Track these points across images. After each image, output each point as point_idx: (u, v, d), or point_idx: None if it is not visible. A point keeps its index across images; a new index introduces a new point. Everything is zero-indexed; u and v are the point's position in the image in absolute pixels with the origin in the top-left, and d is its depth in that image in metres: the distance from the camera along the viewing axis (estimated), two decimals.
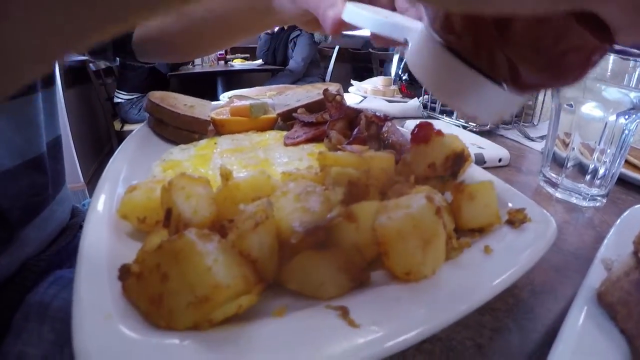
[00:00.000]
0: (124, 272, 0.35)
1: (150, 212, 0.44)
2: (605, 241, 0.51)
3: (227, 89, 4.29)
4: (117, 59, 0.98)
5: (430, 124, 0.53)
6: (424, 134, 0.52)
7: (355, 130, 0.64)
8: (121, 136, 3.85)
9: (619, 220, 0.56)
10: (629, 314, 0.37)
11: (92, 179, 3.58)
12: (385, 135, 0.64)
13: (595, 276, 0.43)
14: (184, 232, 0.32)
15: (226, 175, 0.44)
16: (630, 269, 0.39)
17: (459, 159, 0.52)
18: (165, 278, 0.31)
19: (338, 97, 0.72)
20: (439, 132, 0.52)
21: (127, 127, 3.89)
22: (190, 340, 0.30)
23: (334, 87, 0.87)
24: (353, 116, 0.68)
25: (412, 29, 0.41)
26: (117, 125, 3.93)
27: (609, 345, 0.36)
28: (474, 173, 0.61)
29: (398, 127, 0.71)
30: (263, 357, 0.29)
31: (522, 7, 0.22)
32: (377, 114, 0.68)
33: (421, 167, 0.52)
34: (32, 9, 0.20)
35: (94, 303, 0.33)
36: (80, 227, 0.96)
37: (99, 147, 4.16)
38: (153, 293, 0.32)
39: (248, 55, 5.09)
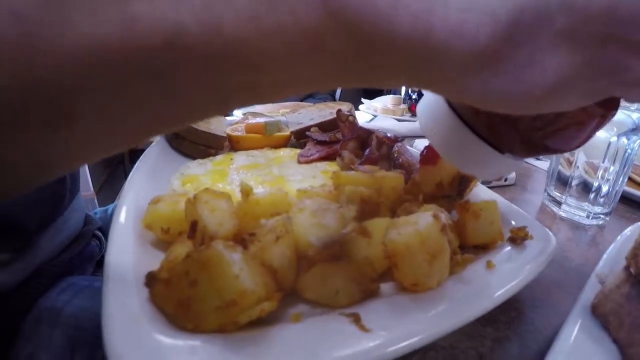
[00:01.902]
0: (151, 279, 0.37)
1: (173, 223, 0.47)
2: (604, 256, 0.53)
3: None
4: None
5: None
6: (432, 156, 0.54)
7: (367, 150, 0.67)
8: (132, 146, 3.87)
9: (619, 237, 0.57)
10: (620, 324, 0.39)
11: (102, 187, 3.59)
12: (396, 155, 0.66)
13: (591, 290, 0.45)
14: (212, 244, 0.34)
15: (246, 192, 0.47)
16: (622, 282, 0.41)
17: (465, 179, 0.55)
18: (194, 284, 0.34)
19: (351, 118, 0.75)
20: None
21: None
22: (216, 342, 0.33)
23: (346, 107, 0.90)
24: (365, 136, 0.71)
25: None
26: None
27: (601, 353, 0.38)
28: (479, 192, 0.63)
29: (408, 146, 0.74)
30: (281, 357, 0.32)
31: (561, 108, 0.25)
32: (388, 134, 0.70)
33: (429, 186, 0.54)
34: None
35: (122, 308, 0.35)
36: (93, 235, 0.98)
37: (109, 157, 4.18)
38: (181, 298, 0.34)
39: None
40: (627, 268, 0.42)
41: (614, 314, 0.40)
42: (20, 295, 0.75)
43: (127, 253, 0.44)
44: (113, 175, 4.07)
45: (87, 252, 0.94)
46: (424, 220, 0.40)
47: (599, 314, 0.41)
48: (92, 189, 3.15)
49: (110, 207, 1.17)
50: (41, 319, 0.72)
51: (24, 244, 0.77)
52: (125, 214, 0.52)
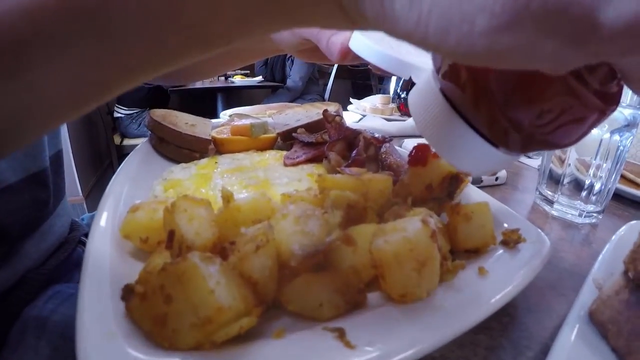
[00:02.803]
0: (127, 292, 0.36)
1: (152, 233, 0.45)
2: (600, 258, 0.51)
3: (227, 105, 4.31)
4: None
5: (427, 146, 0.54)
6: (421, 156, 0.53)
7: (354, 152, 0.65)
8: (121, 151, 3.85)
9: (613, 237, 0.56)
10: (619, 332, 0.38)
11: (91, 192, 3.58)
12: (384, 156, 0.65)
13: (588, 295, 0.44)
14: (188, 255, 0.33)
15: (227, 198, 0.45)
16: (621, 288, 0.40)
17: (455, 180, 0.54)
18: (169, 299, 0.32)
19: (337, 118, 0.73)
20: (436, 155, 0.53)
21: (126, 142, 3.89)
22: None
23: (333, 107, 0.88)
24: (352, 137, 0.69)
25: (420, 68, 0.41)
26: (116, 139, 3.94)
27: None
28: (470, 193, 0.62)
29: (396, 147, 0.72)
30: None
31: (532, 65, 0.22)
32: (376, 135, 0.69)
33: (418, 188, 0.53)
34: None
35: (98, 322, 0.34)
36: (79, 241, 0.97)
37: (98, 161, 4.17)
38: (157, 313, 0.32)
39: (248, 71, 5.09)
40: (625, 273, 0.41)
41: (612, 321, 0.39)
42: (6, 303, 0.74)
43: (105, 263, 0.42)
44: (102, 179, 4.06)
45: (74, 258, 0.93)
46: (413, 227, 0.38)
47: (597, 321, 0.40)
48: (80, 194, 3.14)
49: (97, 212, 1.16)
50: (27, 329, 0.71)
51: (7, 250, 0.76)
52: (105, 222, 0.50)
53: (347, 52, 0.58)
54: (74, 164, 2.98)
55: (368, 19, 0.24)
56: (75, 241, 0.95)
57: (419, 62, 0.42)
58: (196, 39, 0.29)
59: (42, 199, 0.84)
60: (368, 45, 0.52)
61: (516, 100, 0.28)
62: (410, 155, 0.54)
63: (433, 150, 0.36)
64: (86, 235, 1.00)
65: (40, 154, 0.82)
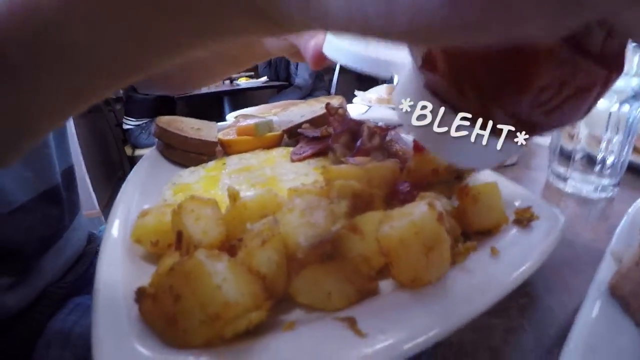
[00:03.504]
0: (140, 295, 0.36)
1: (162, 236, 0.46)
2: (617, 232, 0.50)
3: (234, 107, 4.31)
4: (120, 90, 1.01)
5: None
6: None
7: (358, 141, 0.65)
8: (133, 161, 3.88)
9: (630, 209, 0.55)
10: None
11: (108, 204, 3.61)
12: (389, 144, 0.65)
13: (607, 269, 0.43)
14: (195, 253, 0.33)
15: (234, 196, 0.45)
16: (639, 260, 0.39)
17: None
18: (178, 298, 0.32)
19: (340, 111, 0.73)
20: None
21: (138, 152, 3.92)
22: (205, 357, 0.31)
23: (336, 101, 0.88)
24: (356, 128, 0.69)
25: (398, 64, 0.39)
26: (128, 150, 3.97)
27: (623, 336, 0.36)
28: (479, 174, 0.61)
29: (401, 134, 0.72)
30: None
31: (514, 32, 0.17)
32: (380, 124, 0.68)
33: (425, 173, 0.52)
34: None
35: (113, 325, 0.34)
36: (97, 253, 0.98)
37: (112, 173, 4.20)
38: (167, 313, 0.33)
39: (252, 73, 5.10)
40: None
41: (633, 294, 0.38)
42: (28, 318, 0.75)
43: (117, 268, 0.43)
44: (117, 190, 4.09)
45: (93, 271, 0.94)
46: (419, 210, 0.37)
47: (618, 295, 0.39)
48: (97, 207, 3.16)
49: None
50: (51, 342, 0.73)
51: (26, 267, 0.77)
52: (116, 229, 0.51)
53: (320, 57, 0.58)
54: (88, 179, 3.00)
55: (294, 18, 0.22)
56: (92, 253, 0.96)
57: (400, 58, 0.40)
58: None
59: (55, 215, 0.85)
60: (342, 47, 0.51)
61: (507, 82, 0.25)
62: (415, 141, 0.54)
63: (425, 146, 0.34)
64: None
65: (50, 171, 0.83)
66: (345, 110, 0.76)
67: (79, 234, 0.93)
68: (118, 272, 0.42)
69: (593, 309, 0.38)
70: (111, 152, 4.19)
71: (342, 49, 0.51)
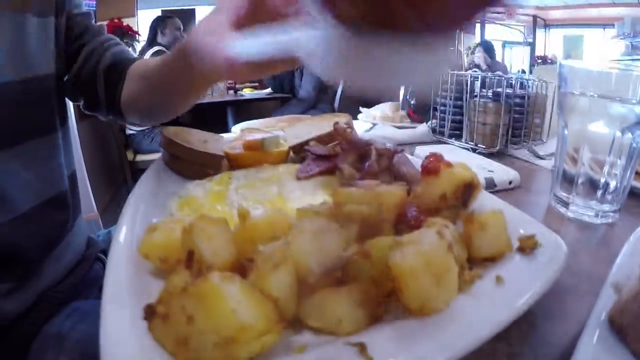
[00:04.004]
0: (149, 312, 0.37)
1: (170, 252, 0.46)
2: (617, 262, 0.51)
3: (237, 117, 4.33)
4: (110, 115, 1.02)
5: (440, 156, 0.54)
6: (434, 167, 0.53)
7: (367, 163, 0.66)
8: (134, 167, 3.90)
9: (631, 237, 0.56)
10: (638, 336, 0.38)
11: (107, 208, 3.62)
12: (396, 166, 0.66)
13: (607, 299, 0.44)
14: (208, 276, 0.33)
15: (243, 215, 0.45)
16: (638, 293, 0.40)
17: (469, 188, 0.54)
18: (191, 320, 0.33)
19: (348, 130, 0.74)
20: (448, 164, 0.54)
21: (139, 158, 3.94)
22: None
23: (343, 119, 0.89)
24: (364, 149, 0.70)
25: (306, 33, 0.38)
26: (129, 155, 3.98)
27: None
28: (484, 200, 0.61)
29: (408, 155, 0.73)
30: None
31: None
32: (388, 145, 0.69)
33: (432, 198, 0.53)
34: None
35: (121, 342, 0.35)
36: (96, 258, 0.98)
37: (112, 177, 4.21)
38: (179, 334, 0.33)
39: (257, 83, 5.12)
40: None
41: (632, 326, 0.38)
42: (25, 322, 0.76)
43: (125, 283, 0.44)
44: (116, 195, 4.10)
45: (91, 276, 0.95)
46: (429, 239, 0.38)
47: (616, 326, 0.40)
48: (95, 210, 3.17)
49: (112, 228, 1.17)
50: (47, 346, 0.73)
51: (26, 272, 0.78)
52: (123, 242, 0.51)
53: (231, 62, 0.56)
54: (88, 182, 3.01)
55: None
56: (92, 258, 0.97)
57: (305, 31, 0.40)
58: None
59: (60, 220, 0.86)
60: (251, 42, 0.52)
61: None
62: (422, 165, 0.55)
63: (372, 89, 0.34)
64: (103, 252, 1.01)
65: (58, 178, 0.84)
66: (353, 130, 0.77)
67: (78, 238, 0.94)
68: (125, 286, 0.43)
69: (592, 338, 0.39)
70: (112, 156, 4.20)
71: (250, 43, 0.52)
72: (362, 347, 0.34)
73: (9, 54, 0.76)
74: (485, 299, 0.41)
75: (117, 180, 4.30)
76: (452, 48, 0.33)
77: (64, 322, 0.76)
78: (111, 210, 3.75)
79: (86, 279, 0.93)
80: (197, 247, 0.41)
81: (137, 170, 3.90)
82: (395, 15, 0.28)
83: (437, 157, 0.54)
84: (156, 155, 0.89)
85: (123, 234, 0.53)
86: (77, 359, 0.71)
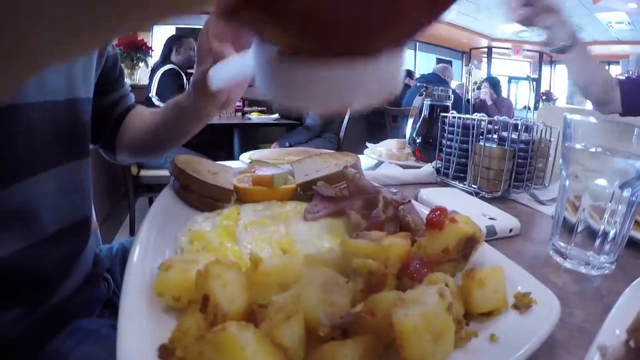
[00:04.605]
0: (165, 353, 0.39)
1: (184, 292, 0.48)
2: (605, 323, 0.53)
3: (244, 140, 4.35)
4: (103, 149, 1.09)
5: (445, 210, 0.57)
6: (438, 221, 0.56)
7: (374, 212, 0.68)
8: (137, 181, 3.89)
9: (621, 298, 0.57)
10: None
11: (106, 219, 3.62)
12: (402, 214, 0.68)
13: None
14: (226, 325, 0.36)
15: (256, 262, 0.48)
16: (621, 358, 0.42)
17: (470, 242, 0.56)
18: None
19: (357, 176, 0.76)
20: (452, 219, 0.56)
21: (143, 173, 3.92)
22: None
23: (351, 160, 0.92)
24: (371, 196, 0.72)
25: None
26: (134, 170, 3.98)
27: None
28: (485, 252, 0.64)
29: (415, 204, 0.75)
30: None
31: None
32: (395, 193, 0.72)
33: (435, 251, 0.56)
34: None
35: None
36: (102, 277, 0.99)
37: (113, 189, 4.21)
38: None
39: (264, 108, 5.16)
40: (626, 342, 0.42)
41: None
42: (28, 341, 0.76)
43: (140, 319, 0.46)
44: (117, 207, 4.10)
45: (96, 294, 0.95)
46: (431, 299, 0.41)
47: None
48: (95, 221, 3.18)
49: (115, 245, 1.18)
50: None
51: (43, 295, 0.79)
52: (136, 276, 0.53)
53: (214, 90, 0.70)
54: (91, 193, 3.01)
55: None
56: (99, 278, 0.97)
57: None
58: None
59: (80, 244, 0.87)
60: (219, 71, 0.57)
61: None
62: (428, 218, 0.57)
63: (298, 107, 0.32)
64: (108, 270, 1.02)
65: (86, 203, 0.86)
66: (361, 174, 0.80)
67: (88, 254, 0.94)
68: (140, 324, 0.45)
69: None
70: (116, 169, 4.20)
71: (219, 72, 0.58)
72: None
73: (64, 72, 0.80)
74: (480, 356, 0.43)
75: (117, 191, 4.30)
76: (396, 68, 0.30)
77: (65, 341, 0.77)
78: (109, 222, 3.75)
79: (91, 297, 0.94)
80: (213, 293, 0.44)
81: (140, 185, 3.90)
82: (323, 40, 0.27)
83: (442, 212, 0.57)
84: (160, 172, 0.92)
85: (135, 267, 0.56)
86: None
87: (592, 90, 1.49)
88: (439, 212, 0.56)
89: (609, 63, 9.37)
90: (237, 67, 0.53)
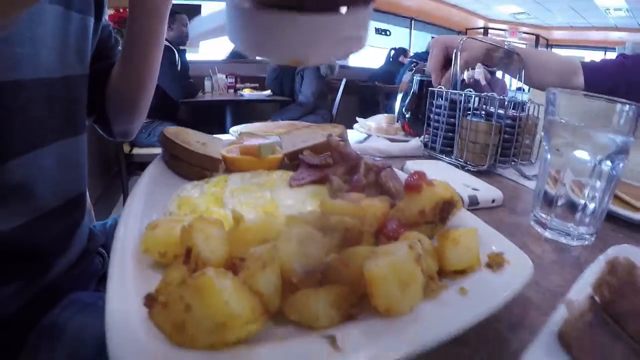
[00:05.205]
0: (150, 300, 0.41)
1: (169, 248, 0.50)
2: (578, 280, 0.55)
3: (236, 117, 4.34)
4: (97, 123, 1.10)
5: (423, 174, 0.59)
6: (416, 184, 0.57)
7: (355, 176, 0.70)
8: (130, 159, 3.88)
9: (595, 261, 0.59)
10: (584, 353, 0.41)
11: (100, 199, 3.62)
12: (383, 179, 0.70)
13: (561, 316, 0.47)
14: (205, 271, 0.38)
15: (237, 219, 0.50)
16: (586, 311, 0.43)
17: (447, 206, 0.58)
18: (188, 308, 0.37)
19: (341, 144, 0.78)
20: (430, 182, 0.58)
21: (136, 151, 3.92)
22: (207, 357, 0.37)
23: (337, 130, 0.93)
24: (354, 162, 0.74)
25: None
26: (126, 148, 3.97)
27: None
28: (463, 218, 0.66)
29: (396, 171, 0.77)
30: None
31: None
32: (377, 159, 0.73)
33: (412, 213, 0.58)
34: None
35: (125, 323, 0.39)
36: (97, 252, 1.01)
37: (107, 168, 4.20)
38: (177, 320, 0.38)
39: (257, 85, 5.14)
40: (591, 297, 0.44)
41: (578, 342, 0.42)
42: (24, 314, 0.78)
43: (128, 275, 0.48)
44: (110, 186, 4.10)
45: (91, 269, 0.97)
46: (400, 251, 0.43)
47: (564, 341, 0.44)
48: (88, 200, 3.18)
49: (108, 221, 1.20)
50: (43, 335, 0.74)
51: (40, 270, 0.81)
52: (125, 238, 0.55)
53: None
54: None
55: None
56: (94, 252, 0.98)
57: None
58: None
59: (76, 219, 0.88)
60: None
61: None
62: (406, 182, 0.59)
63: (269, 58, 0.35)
64: (102, 245, 1.04)
65: (81, 179, 0.87)
66: (345, 143, 0.81)
67: (83, 231, 0.96)
68: (129, 278, 0.47)
69: (541, 349, 0.43)
70: (109, 148, 4.19)
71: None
72: (332, 339, 0.39)
73: (58, 50, 0.81)
74: (448, 306, 0.45)
75: (110, 170, 4.29)
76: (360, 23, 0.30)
77: (62, 313, 0.78)
78: (103, 201, 3.75)
79: (86, 272, 0.95)
80: (195, 245, 0.46)
81: (132, 163, 3.90)
82: None
83: (420, 176, 0.58)
84: (152, 150, 0.93)
85: (124, 230, 0.57)
86: (72, 350, 0.72)
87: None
88: (417, 175, 0.58)
89: (605, 49, 9.35)
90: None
